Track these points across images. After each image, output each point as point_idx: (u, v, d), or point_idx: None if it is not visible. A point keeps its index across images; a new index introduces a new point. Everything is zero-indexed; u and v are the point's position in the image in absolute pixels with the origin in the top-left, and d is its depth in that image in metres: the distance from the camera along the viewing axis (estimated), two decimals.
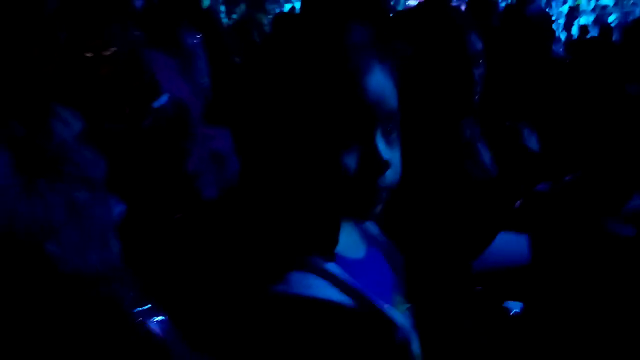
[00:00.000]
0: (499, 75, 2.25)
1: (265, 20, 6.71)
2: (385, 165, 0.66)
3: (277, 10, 11.30)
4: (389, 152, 0.67)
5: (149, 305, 1.27)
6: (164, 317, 1.29)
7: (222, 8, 8.74)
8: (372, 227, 0.82)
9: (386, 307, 0.66)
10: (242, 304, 0.62)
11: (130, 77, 1.58)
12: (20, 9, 1.25)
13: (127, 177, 1.61)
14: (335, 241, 0.66)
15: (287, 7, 11.71)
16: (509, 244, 1.48)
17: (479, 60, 1.69)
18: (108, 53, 1.59)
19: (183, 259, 1.34)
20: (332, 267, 0.65)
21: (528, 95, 2.64)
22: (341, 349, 0.60)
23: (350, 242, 0.73)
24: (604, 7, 14.05)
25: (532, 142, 2.32)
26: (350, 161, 0.64)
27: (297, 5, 10.91)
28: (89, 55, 1.57)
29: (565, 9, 14.09)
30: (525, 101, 2.57)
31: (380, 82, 0.65)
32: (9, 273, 1.39)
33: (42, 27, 1.27)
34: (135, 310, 1.31)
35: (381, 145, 0.66)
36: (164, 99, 1.48)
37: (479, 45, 1.70)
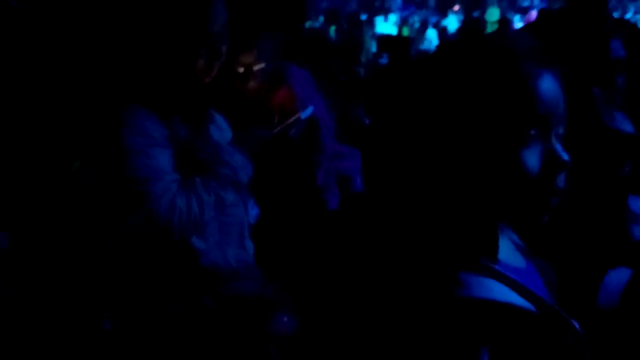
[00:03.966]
0: None
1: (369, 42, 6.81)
2: (565, 165, 0.67)
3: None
4: (565, 154, 0.68)
5: (286, 306, 1.35)
6: (297, 319, 1.35)
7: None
8: (520, 241, 0.83)
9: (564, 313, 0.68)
10: (419, 307, 0.61)
11: (278, 89, 1.70)
12: (193, 25, 1.39)
13: (265, 182, 1.71)
14: (497, 246, 0.69)
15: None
16: None
17: (621, 68, 1.64)
18: (257, 68, 1.72)
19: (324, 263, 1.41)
20: (507, 271, 0.67)
21: None
22: (524, 353, 0.62)
23: (509, 251, 0.75)
24: None
25: None
26: (532, 160, 0.66)
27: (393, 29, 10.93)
28: (240, 70, 1.70)
29: None
30: None
31: (550, 87, 0.68)
32: (156, 263, 1.53)
33: (210, 42, 1.41)
34: (271, 310, 1.39)
35: (558, 146, 0.68)
36: (309, 110, 1.58)
37: (622, 53, 1.64)
